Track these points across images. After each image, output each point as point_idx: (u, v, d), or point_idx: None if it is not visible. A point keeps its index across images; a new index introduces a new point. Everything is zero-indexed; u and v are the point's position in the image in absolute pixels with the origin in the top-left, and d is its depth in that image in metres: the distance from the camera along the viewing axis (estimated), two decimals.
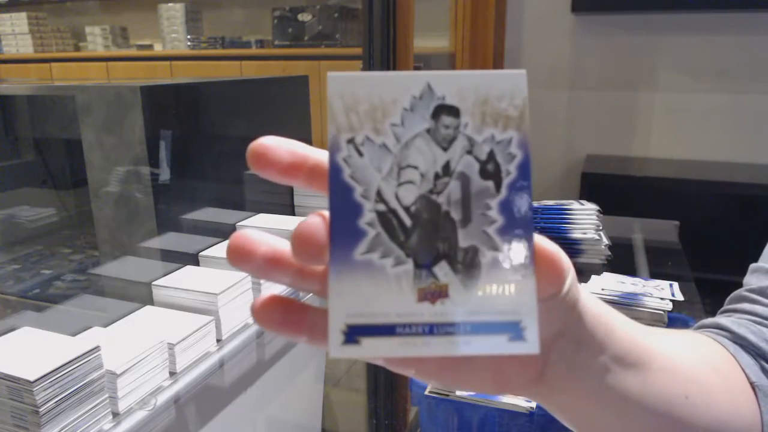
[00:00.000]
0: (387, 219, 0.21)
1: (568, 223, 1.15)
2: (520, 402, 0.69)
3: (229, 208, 1.10)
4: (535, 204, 1.21)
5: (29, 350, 0.59)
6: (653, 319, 0.84)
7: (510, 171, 0.21)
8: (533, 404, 0.67)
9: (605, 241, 1.15)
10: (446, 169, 0.21)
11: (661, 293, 0.90)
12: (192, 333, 0.74)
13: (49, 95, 1.21)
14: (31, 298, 1.01)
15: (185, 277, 0.85)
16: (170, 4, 3.37)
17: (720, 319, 0.42)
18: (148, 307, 0.80)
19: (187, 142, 1.00)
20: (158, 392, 0.68)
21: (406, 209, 0.21)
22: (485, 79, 0.21)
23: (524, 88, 0.21)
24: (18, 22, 3.67)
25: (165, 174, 0.93)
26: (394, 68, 1.23)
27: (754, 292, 0.43)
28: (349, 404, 1.06)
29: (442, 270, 0.21)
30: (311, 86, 1.40)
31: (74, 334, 0.67)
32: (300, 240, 0.21)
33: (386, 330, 0.20)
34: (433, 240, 0.21)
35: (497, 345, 0.20)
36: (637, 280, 0.97)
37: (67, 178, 1.31)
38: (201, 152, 1.03)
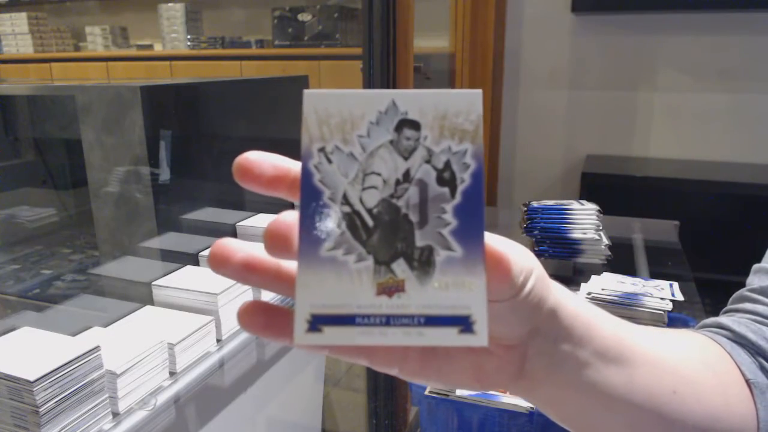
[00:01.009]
0: (351, 220, 0.23)
1: (568, 223, 1.16)
2: (520, 402, 0.69)
3: (229, 208, 1.10)
4: (535, 204, 1.21)
5: (29, 350, 0.59)
6: (653, 319, 0.84)
7: (464, 179, 0.23)
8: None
9: (605, 241, 1.15)
10: (406, 176, 0.23)
11: (661, 293, 0.90)
12: (192, 333, 0.74)
13: (49, 95, 1.21)
14: (31, 298, 1.01)
15: (185, 277, 0.85)
16: (170, 4, 3.37)
17: (721, 318, 0.43)
18: (148, 307, 0.80)
19: (187, 142, 1.00)
20: (158, 392, 0.68)
21: (369, 211, 0.23)
22: (444, 97, 0.23)
23: (479, 106, 0.23)
24: (18, 22, 3.68)
25: (165, 174, 0.93)
26: (395, 68, 1.23)
27: (756, 292, 0.44)
28: (349, 404, 1.06)
29: (400, 267, 0.23)
30: (311, 86, 1.40)
31: (74, 334, 0.67)
32: (272, 236, 0.23)
33: (347, 320, 0.22)
34: (392, 239, 0.23)
35: (448, 337, 0.22)
36: (637, 280, 0.97)
37: (67, 178, 1.31)
38: (201, 152, 1.03)
